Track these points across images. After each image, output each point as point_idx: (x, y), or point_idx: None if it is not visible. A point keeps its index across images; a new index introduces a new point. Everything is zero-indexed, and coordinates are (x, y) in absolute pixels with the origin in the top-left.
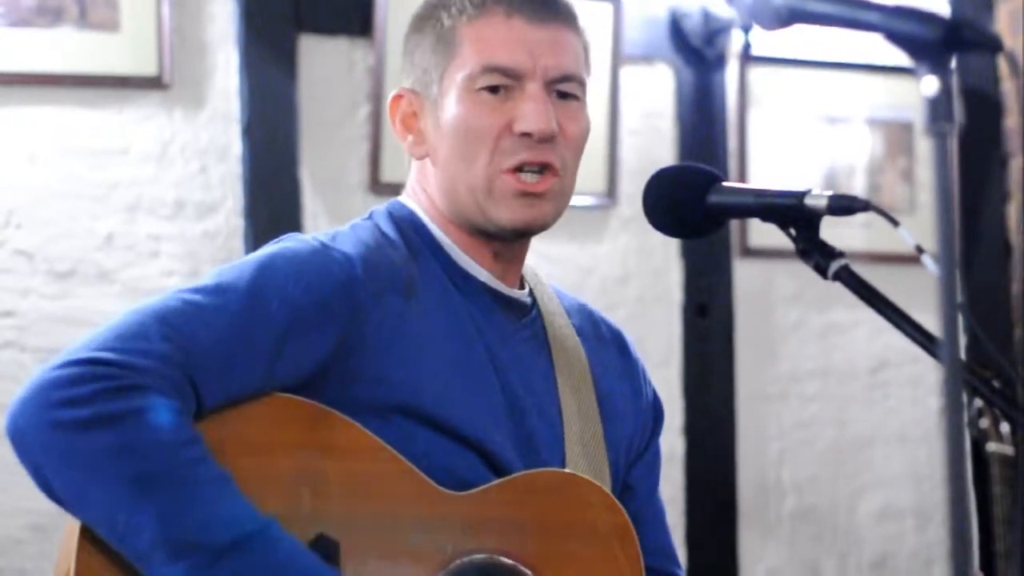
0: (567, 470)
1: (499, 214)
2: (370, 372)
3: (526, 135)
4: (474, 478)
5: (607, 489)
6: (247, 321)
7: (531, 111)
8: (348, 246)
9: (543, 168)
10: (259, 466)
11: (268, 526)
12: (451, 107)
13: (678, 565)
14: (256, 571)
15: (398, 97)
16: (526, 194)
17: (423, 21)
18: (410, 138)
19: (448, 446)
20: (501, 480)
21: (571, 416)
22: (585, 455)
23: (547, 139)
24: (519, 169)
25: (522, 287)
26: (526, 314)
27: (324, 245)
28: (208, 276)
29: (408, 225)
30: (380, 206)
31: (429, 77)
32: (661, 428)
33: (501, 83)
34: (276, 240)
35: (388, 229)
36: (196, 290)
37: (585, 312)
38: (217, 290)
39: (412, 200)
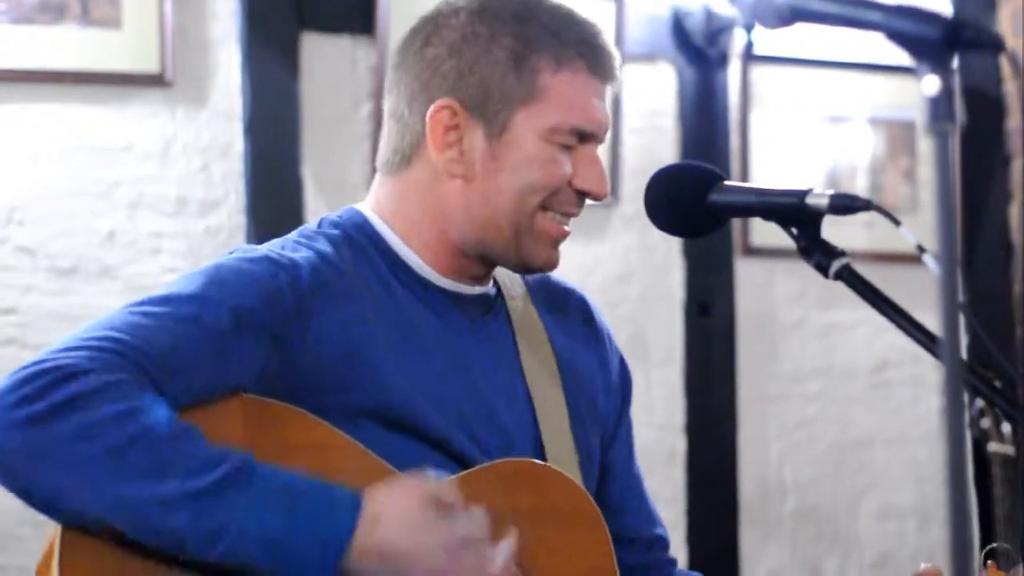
0: (534, 459)
1: (535, 255)
2: (331, 379)
3: (585, 193)
4: None
5: (577, 474)
6: (195, 324)
7: (596, 174)
8: (296, 254)
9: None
10: None
11: (246, 458)
12: (523, 147)
13: (662, 526)
14: (254, 497)
15: (444, 108)
16: (560, 240)
17: (491, 41)
18: (449, 154)
19: (415, 448)
20: (469, 471)
21: (542, 407)
22: (557, 445)
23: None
24: (551, 210)
25: (488, 281)
26: (490, 309)
27: (272, 252)
28: (158, 290)
29: (359, 233)
30: (331, 214)
31: (493, 104)
32: (631, 395)
33: (575, 143)
34: (228, 252)
35: (336, 236)
36: (144, 302)
37: (549, 286)
38: (165, 300)
39: (372, 210)
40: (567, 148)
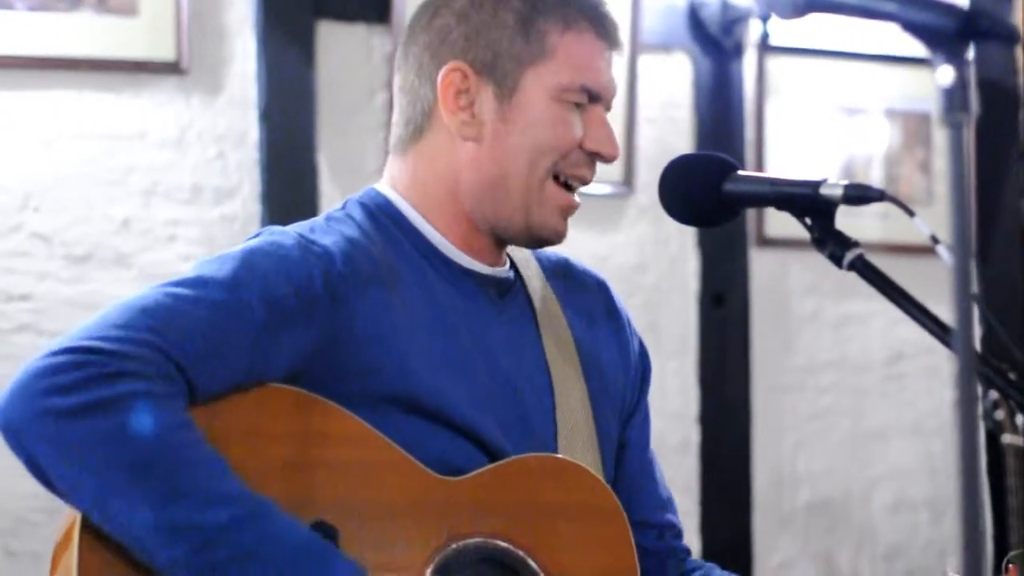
0: (558, 455)
1: (544, 222)
2: (359, 365)
3: (596, 155)
4: (468, 464)
5: (599, 461)
6: (228, 312)
7: (606, 136)
8: (327, 239)
9: (582, 184)
10: (254, 455)
11: (263, 504)
12: (533, 107)
13: (675, 512)
14: (256, 548)
15: (454, 70)
16: (569, 211)
17: (498, 6)
18: (461, 116)
19: (441, 434)
20: (493, 465)
21: (562, 389)
22: (577, 428)
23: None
24: (566, 182)
25: (503, 262)
26: (509, 290)
27: (303, 238)
28: (190, 270)
29: (384, 214)
30: (354, 195)
31: (503, 65)
32: (649, 380)
33: (584, 102)
34: (256, 234)
35: (363, 220)
36: (177, 283)
37: (567, 268)
38: (198, 283)
39: (390, 188)
40: (577, 108)
